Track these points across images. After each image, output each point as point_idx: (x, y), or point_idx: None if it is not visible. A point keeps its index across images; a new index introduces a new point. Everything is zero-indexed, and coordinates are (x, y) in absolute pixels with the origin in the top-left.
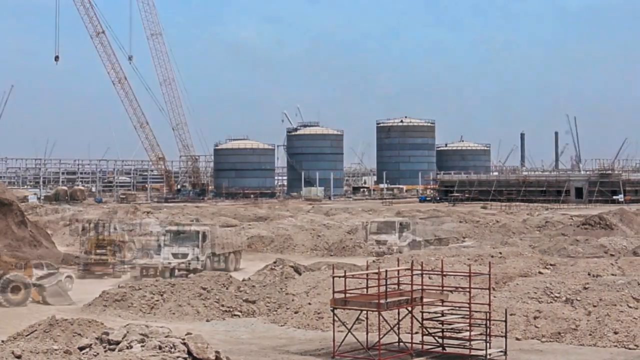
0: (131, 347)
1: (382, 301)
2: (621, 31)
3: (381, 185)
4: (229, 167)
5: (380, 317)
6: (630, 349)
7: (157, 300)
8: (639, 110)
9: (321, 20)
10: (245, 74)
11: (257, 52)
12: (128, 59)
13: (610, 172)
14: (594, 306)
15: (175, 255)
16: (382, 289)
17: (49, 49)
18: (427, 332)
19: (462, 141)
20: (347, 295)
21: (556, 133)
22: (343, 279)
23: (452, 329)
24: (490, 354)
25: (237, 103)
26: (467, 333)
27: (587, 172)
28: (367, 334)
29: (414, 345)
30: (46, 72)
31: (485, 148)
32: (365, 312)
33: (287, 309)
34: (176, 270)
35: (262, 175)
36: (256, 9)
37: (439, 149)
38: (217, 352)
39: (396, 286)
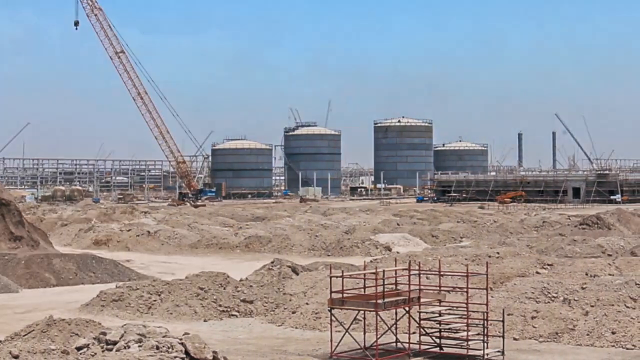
0: (129, 347)
1: (379, 301)
2: (618, 31)
3: (379, 185)
4: (227, 167)
5: (378, 317)
6: (627, 349)
7: (155, 300)
8: (635, 110)
9: (318, 21)
10: (242, 74)
11: (254, 53)
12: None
13: (607, 172)
14: (592, 306)
15: None
16: (380, 289)
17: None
18: (424, 332)
19: (460, 141)
20: (345, 295)
21: (554, 133)
22: (340, 279)
23: (449, 329)
24: (487, 354)
25: (234, 104)
26: (465, 333)
27: (585, 172)
28: (364, 334)
29: (411, 345)
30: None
31: (483, 148)
32: (362, 312)
33: (285, 309)
34: None
35: (260, 175)
36: (255, 10)
37: (437, 149)
38: (214, 352)
39: (394, 286)
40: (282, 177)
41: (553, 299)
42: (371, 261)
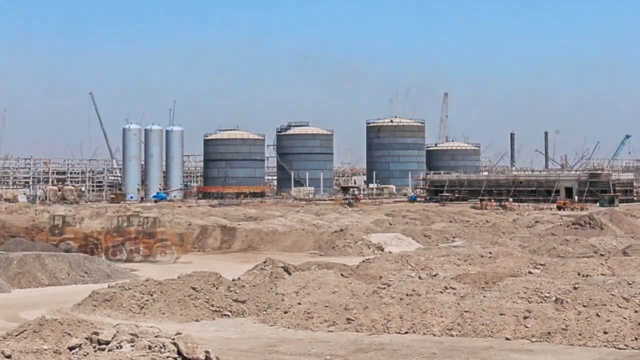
0: (121, 347)
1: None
2: (612, 32)
3: (371, 185)
4: (219, 158)
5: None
6: (620, 348)
7: (147, 300)
8: (631, 109)
9: (311, 21)
10: (235, 74)
11: (246, 52)
12: None
13: (600, 172)
14: (584, 306)
15: None
16: None
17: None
18: None
19: (453, 141)
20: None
21: (546, 133)
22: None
23: None
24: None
25: (226, 103)
26: None
27: (577, 172)
28: (357, 333)
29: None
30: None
31: (475, 148)
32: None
33: (277, 308)
34: None
35: (252, 166)
36: (247, 11)
37: (429, 148)
38: (206, 352)
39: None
40: (275, 177)
41: (545, 298)
42: (364, 261)
